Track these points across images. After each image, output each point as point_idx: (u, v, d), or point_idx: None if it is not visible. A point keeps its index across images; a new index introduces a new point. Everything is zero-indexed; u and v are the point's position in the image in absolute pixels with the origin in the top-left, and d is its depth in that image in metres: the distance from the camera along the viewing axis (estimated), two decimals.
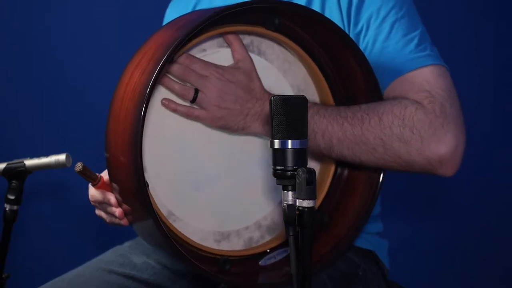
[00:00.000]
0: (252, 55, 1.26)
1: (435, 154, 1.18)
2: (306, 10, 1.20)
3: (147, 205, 1.07)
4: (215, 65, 1.21)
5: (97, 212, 1.29)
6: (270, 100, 0.95)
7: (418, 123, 1.18)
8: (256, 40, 1.28)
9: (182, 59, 1.19)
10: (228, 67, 1.22)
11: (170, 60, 1.15)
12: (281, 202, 1.33)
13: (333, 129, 1.22)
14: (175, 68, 1.19)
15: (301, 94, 1.31)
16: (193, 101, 1.20)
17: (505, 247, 2.41)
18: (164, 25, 1.19)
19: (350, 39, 1.23)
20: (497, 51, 2.35)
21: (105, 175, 1.24)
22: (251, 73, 1.23)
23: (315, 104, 1.26)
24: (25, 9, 2.22)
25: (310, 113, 0.95)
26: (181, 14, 1.55)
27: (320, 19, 1.20)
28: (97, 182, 1.24)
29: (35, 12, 2.23)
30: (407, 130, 1.19)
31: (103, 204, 1.24)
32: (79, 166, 1.20)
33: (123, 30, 2.24)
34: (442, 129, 1.18)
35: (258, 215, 1.32)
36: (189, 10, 1.53)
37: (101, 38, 2.24)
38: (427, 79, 1.23)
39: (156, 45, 1.12)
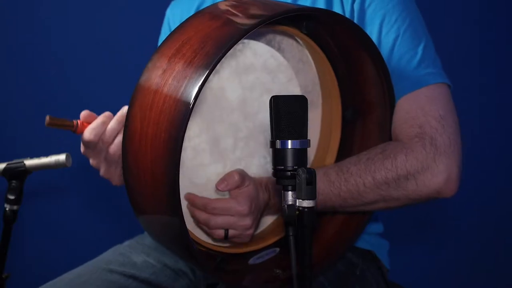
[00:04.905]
0: (271, 50, 1.27)
1: (430, 188, 1.24)
2: (344, 19, 1.19)
3: (175, 198, 1.02)
4: (233, 201, 1.22)
5: (92, 162, 1.28)
6: (270, 100, 0.95)
7: (411, 168, 1.23)
8: (278, 36, 1.27)
9: (191, 198, 1.23)
10: (241, 193, 1.23)
11: None
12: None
13: (331, 201, 1.26)
14: (200, 216, 1.22)
15: (307, 95, 1.32)
16: (225, 238, 1.23)
17: (505, 247, 2.41)
18: (198, 13, 1.14)
19: (372, 43, 1.21)
20: (500, 55, 2.35)
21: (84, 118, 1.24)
22: (254, 188, 1.24)
23: None
24: (25, 9, 2.22)
25: None
26: (184, 14, 1.55)
27: (351, 25, 1.19)
28: (76, 127, 1.23)
29: (35, 12, 2.23)
30: (402, 179, 1.23)
31: (98, 144, 1.23)
32: (47, 120, 1.18)
33: (123, 30, 2.24)
34: (434, 164, 1.23)
35: None
36: (193, 10, 1.53)
37: (101, 38, 2.23)
38: (422, 105, 1.27)
39: (199, 36, 1.06)
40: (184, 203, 1.23)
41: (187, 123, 0.99)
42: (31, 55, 2.24)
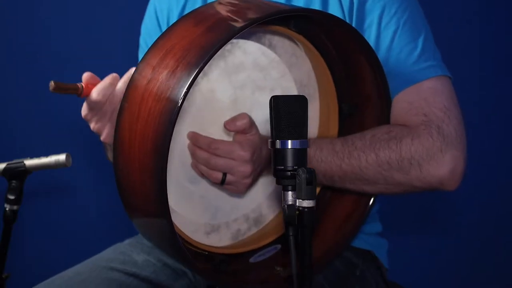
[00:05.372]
0: (262, 47, 1.27)
1: (435, 178, 1.22)
2: (336, 19, 1.18)
3: (164, 206, 1.03)
4: (237, 145, 1.20)
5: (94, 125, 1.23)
6: (270, 100, 0.95)
7: (415, 153, 1.21)
8: (269, 33, 1.27)
9: (194, 136, 1.21)
10: (245, 139, 1.21)
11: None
12: (270, 195, 1.35)
13: (332, 171, 1.25)
14: (201, 155, 1.20)
15: (303, 88, 1.32)
16: (222, 182, 1.21)
17: (505, 246, 2.41)
18: (184, 18, 1.13)
19: (365, 41, 1.21)
20: (500, 47, 2.35)
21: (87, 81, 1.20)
22: (259, 139, 1.23)
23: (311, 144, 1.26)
24: (25, 9, 2.22)
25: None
26: (169, 8, 1.51)
27: (340, 23, 1.19)
28: (81, 91, 1.19)
29: (35, 12, 2.23)
30: (405, 161, 1.22)
31: (105, 105, 1.18)
32: (51, 85, 1.13)
33: (124, 30, 2.24)
34: (440, 153, 1.21)
35: (247, 208, 1.33)
36: (180, 5, 1.50)
37: (101, 38, 2.24)
38: (425, 97, 1.26)
39: (183, 44, 1.06)
40: (186, 142, 1.23)
41: (171, 136, 0.99)
42: (31, 55, 2.24)
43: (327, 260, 1.33)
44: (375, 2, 1.30)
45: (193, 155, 1.22)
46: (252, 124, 1.21)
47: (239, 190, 1.24)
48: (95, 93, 1.18)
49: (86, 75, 1.21)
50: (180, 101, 0.99)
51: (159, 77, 1.04)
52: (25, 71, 2.24)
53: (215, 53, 1.01)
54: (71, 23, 2.24)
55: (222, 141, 1.21)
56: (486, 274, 2.40)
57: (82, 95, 1.20)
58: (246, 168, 1.20)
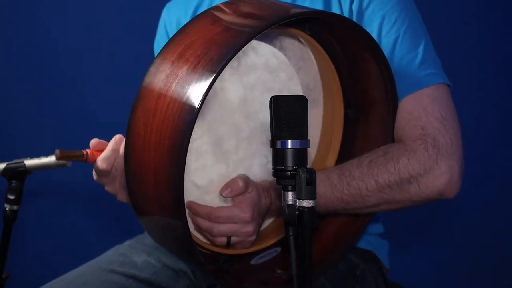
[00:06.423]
0: (273, 49, 1.27)
1: (434, 190, 1.24)
2: (350, 22, 1.19)
3: (180, 207, 1.01)
4: (237, 209, 1.21)
5: (108, 188, 1.24)
6: (270, 100, 0.95)
7: (413, 171, 1.23)
8: (281, 35, 1.27)
9: (193, 207, 1.22)
10: (244, 199, 1.22)
11: None
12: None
13: (333, 204, 1.26)
14: (203, 224, 1.21)
15: (309, 93, 1.32)
16: (227, 245, 1.23)
17: (505, 247, 2.41)
18: (200, 16, 1.12)
19: (374, 40, 1.20)
20: (498, 55, 2.35)
21: (93, 145, 1.22)
22: (257, 194, 1.24)
23: None
24: (25, 9, 2.22)
25: None
26: (181, 17, 1.54)
27: (353, 26, 1.18)
28: (86, 157, 1.21)
29: (35, 12, 2.23)
30: (405, 182, 1.23)
31: (111, 171, 1.19)
32: (57, 154, 1.17)
33: (124, 30, 2.24)
34: (436, 165, 1.23)
35: None
36: (190, 13, 1.52)
37: (101, 38, 2.23)
38: (424, 106, 1.27)
39: (202, 41, 1.04)
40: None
41: (191, 132, 0.97)
42: (31, 55, 2.24)
43: (328, 264, 1.33)
44: (374, 11, 1.31)
45: (194, 223, 1.23)
46: (247, 183, 1.22)
47: (245, 247, 1.26)
48: (99, 163, 1.19)
49: (93, 142, 1.22)
50: (202, 97, 0.97)
51: (179, 72, 1.02)
52: (25, 71, 2.24)
53: (238, 51, 1.00)
54: (71, 23, 2.24)
55: (221, 208, 1.21)
56: (486, 274, 2.40)
57: (88, 161, 1.21)
58: (249, 228, 1.21)
